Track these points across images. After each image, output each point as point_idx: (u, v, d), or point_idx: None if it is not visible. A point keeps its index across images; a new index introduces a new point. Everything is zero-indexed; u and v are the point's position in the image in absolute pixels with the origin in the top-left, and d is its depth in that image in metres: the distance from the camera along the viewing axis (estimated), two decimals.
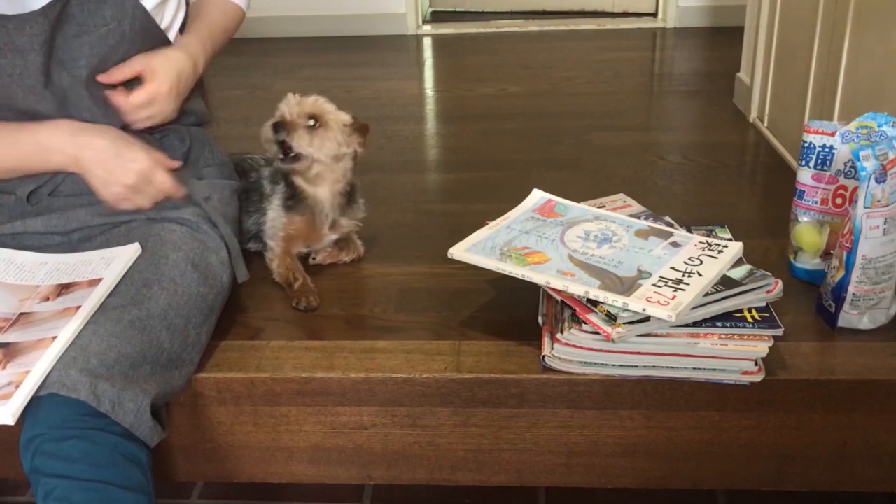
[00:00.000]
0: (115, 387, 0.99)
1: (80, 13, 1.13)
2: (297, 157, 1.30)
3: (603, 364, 1.10)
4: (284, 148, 1.29)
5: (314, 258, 1.44)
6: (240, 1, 1.41)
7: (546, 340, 1.14)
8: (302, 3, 3.47)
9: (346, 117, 1.35)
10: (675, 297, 1.06)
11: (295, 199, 1.36)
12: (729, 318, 1.10)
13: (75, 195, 1.22)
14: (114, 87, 1.19)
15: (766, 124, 2.10)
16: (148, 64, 1.18)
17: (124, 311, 1.06)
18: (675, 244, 1.20)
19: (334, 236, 1.42)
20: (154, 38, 1.21)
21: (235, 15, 1.40)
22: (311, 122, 1.30)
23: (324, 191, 1.36)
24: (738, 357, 1.08)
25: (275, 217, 1.38)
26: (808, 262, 1.32)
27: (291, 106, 1.30)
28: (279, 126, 1.28)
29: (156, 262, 1.14)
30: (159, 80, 1.18)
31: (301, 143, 1.29)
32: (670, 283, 1.09)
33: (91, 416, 0.97)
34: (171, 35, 1.27)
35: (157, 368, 1.07)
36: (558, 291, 1.12)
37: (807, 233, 1.31)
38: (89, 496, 0.95)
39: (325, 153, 1.32)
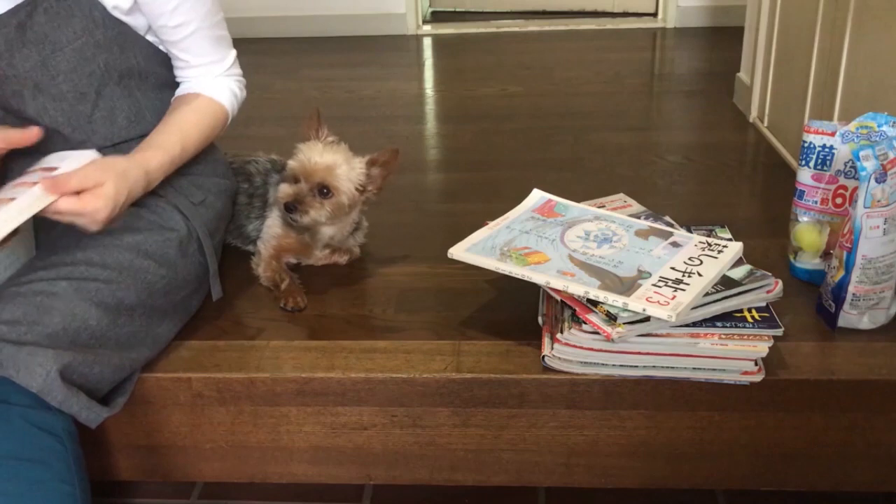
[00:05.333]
0: (21, 351, 0.96)
1: (52, 31, 1.12)
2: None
3: (603, 364, 1.10)
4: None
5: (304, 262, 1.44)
6: (225, 101, 1.28)
7: (546, 340, 1.14)
8: (302, 3, 3.47)
9: (359, 168, 1.30)
10: (675, 297, 1.06)
11: None
12: (729, 318, 1.10)
13: None
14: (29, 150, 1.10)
15: (766, 124, 2.10)
16: (100, 178, 1.04)
17: (52, 283, 1.05)
18: (675, 244, 1.20)
19: (327, 251, 1.42)
20: (133, 42, 1.20)
21: (215, 118, 1.26)
22: (324, 191, 1.28)
23: (330, 230, 1.37)
24: (738, 357, 1.08)
25: (271, 226, 1.39)
26: (808, 262, 1.32)
27: (305, 170, 1.27)
28: (292, 206, 1.27)
29: (107, 244, 1.12)
30: (96, 204, 1.02)
31: (312, 217, 1.29)
32: (670, 283, 1.09)
33: None
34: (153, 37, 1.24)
35: (78, 342, 1.04)
36: (558, 291, 1.12)
37: (807, 233, 1.31)
38: None
39: (336, 218, 1.33)
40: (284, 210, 1.28)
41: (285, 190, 1.29)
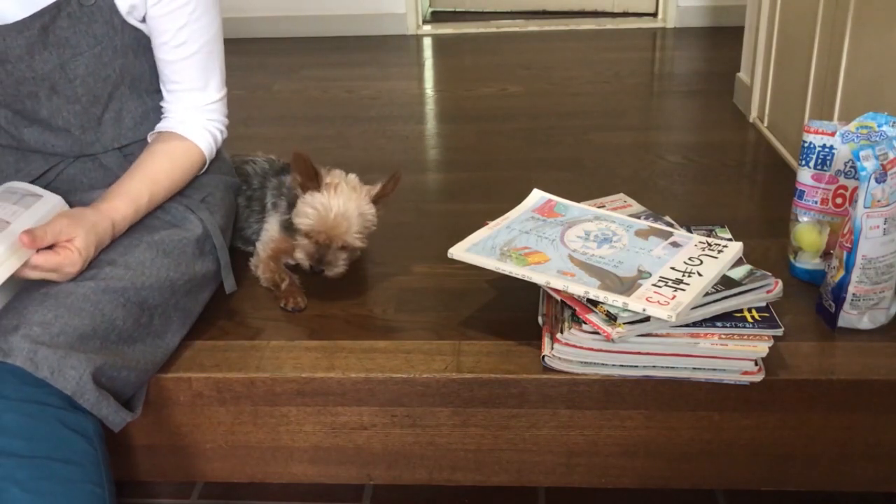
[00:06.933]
0: (56, 354, 0.97)
1: (73, 35, 1.13)
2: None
3: (603, 364, 1.10)
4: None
5: None
6: (203, 146, 1.24)
7: (546, 340, 1.14)
8: (303, 3, 3.47)
9: (369, 211, 1.30)
10: (675, 297, 1.06)
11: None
12: (729, 318, 1.10)
13: (71, 191, 1.22)
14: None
15: (766, 124, 2.10)
16: (71, 232, 1.04)
17: (78, 284, 1.05)
18: (675, 244, 1.20)
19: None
20: (146, 48, 1.20)
21: (191, 163, 1.24)
22: (343, 245, 1.29)
23: None
24: (738, 357, 1.08)
25: (269, 230, 1.38)
26: (808, 262, 1.32)
27: (321, 234, 1.27)
28: (319, 268, 1.28)
29: (126, 244, 1.13)
30: (72, 258, 1.04)
31: (339, 271, 1.30)
32: (670, 283, 1.09)
33: (30, 385, 0.95)
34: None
35: (108, 343, 1.05)
36: (558, 291, 1.12)
37: (807, 233, 1.31)
38: (31, 473, 0.92)
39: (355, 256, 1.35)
40: (311, 271, 1.29)
41: (308, 251, 1.28)
